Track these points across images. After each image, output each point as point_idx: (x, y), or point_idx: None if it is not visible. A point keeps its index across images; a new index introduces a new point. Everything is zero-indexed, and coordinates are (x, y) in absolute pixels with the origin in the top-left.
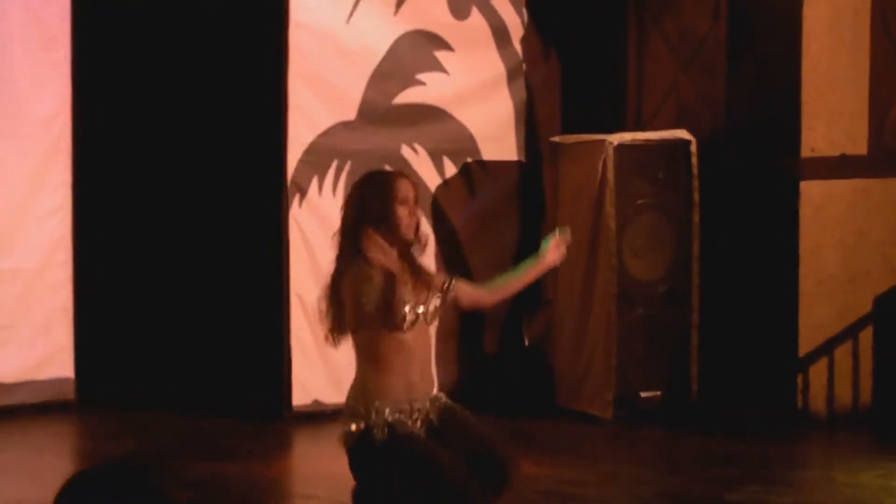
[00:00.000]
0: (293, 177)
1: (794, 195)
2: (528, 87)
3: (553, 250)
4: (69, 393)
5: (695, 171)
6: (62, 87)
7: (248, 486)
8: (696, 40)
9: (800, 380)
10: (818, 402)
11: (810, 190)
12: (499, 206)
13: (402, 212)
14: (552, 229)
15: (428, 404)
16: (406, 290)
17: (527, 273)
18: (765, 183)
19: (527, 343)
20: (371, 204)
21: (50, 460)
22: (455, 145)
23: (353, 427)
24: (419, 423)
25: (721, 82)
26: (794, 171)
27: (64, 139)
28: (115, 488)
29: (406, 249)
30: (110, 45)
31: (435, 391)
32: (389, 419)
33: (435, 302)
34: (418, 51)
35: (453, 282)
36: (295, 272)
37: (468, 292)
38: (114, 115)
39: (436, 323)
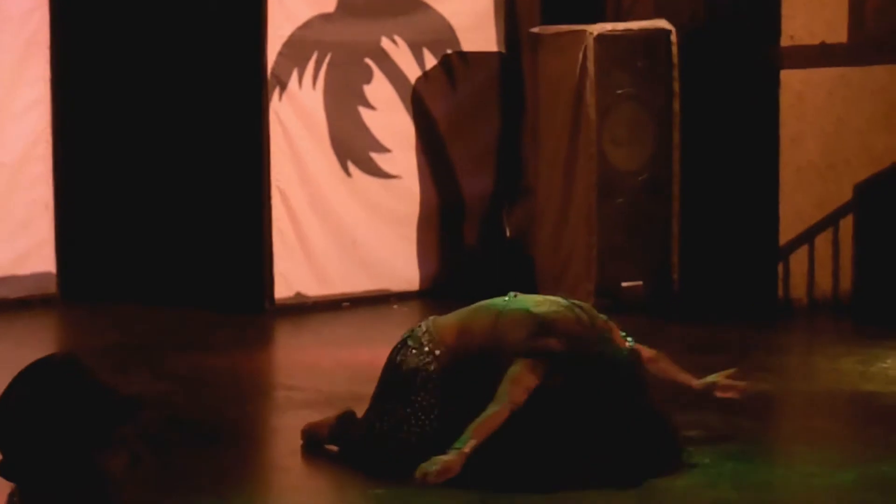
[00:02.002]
0: (273, 70)
1: (775, 84)
2: None
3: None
4: (51, 287)
5: (675, 60)
6: None
7: (231, 378)
8: None
9: (780, 268)
10: (799, 289)
11: (790, 78)
12: (479, 98)
13: None
14: (533, 120)
15: None
16: None
17: (685, 377)
18: (745, 72)
19: (509, 234)
20: None
21: (32, 354)
22: (435, 36)
23: None
24: None
25: None
26: (774, 59)
27: (42, 33)
28: (48, 383)
29: None
30: None
31: None
32: None
33: None
34: None
35: None
36: (275, 165)
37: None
38: (92, 7)
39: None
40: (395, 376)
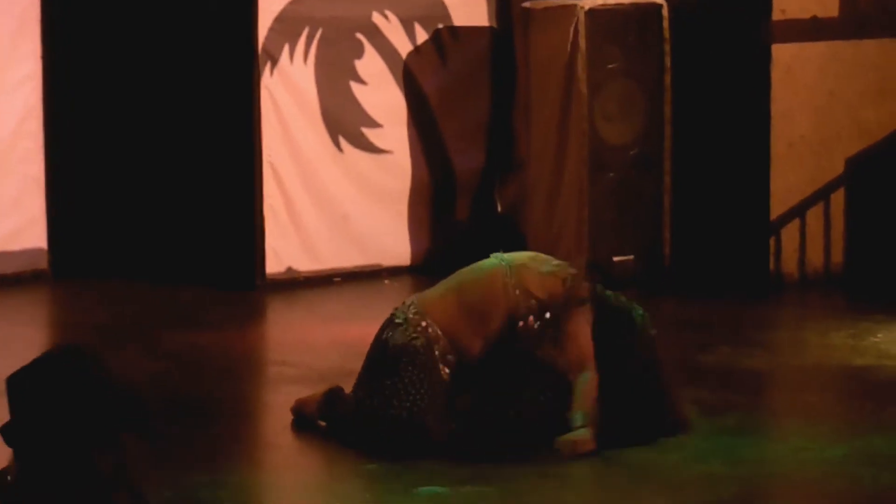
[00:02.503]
0: (264, 45)
1: (766, 58)
2: None
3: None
4: (42, 263)
5: (666, 35)
6: None
7: (223, 355)
8: None
9: (772, 243)
10: (790, 264)
11: (782, 53)
12: (470, 73)
13: None
14: (524, 95)
15: None
16: None
17: None
18: (736, 46)
19: (500, 209)
20: None
21: (24, 331)
22: (426, 11)
23: None
24: None
25: None
26: (766, 33)
27: (33, 8)
28: (55, 377)
29: None
30: None
31: None
32: None
33: None
34: None
35: None
36: (267, 140)
37: None
38: None
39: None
40: (383, 353)
